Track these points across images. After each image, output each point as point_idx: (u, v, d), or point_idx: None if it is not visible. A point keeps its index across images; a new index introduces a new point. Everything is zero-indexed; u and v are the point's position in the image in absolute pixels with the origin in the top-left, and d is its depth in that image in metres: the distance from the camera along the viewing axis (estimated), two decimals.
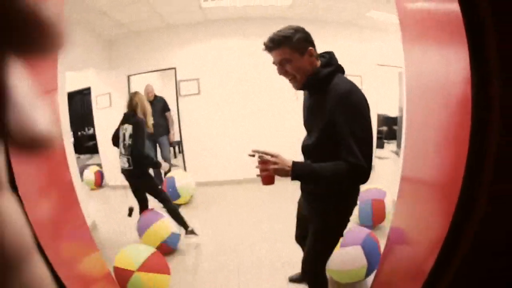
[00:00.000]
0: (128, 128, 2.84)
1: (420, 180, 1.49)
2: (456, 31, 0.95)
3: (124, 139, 2.85)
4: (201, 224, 3.35)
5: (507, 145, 0.89)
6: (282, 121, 4.79)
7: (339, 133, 1.20)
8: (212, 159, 5.04)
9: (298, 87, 1.35)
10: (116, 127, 3.20)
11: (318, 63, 1.32)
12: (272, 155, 1.21)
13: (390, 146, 6.95)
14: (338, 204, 1.41)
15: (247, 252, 2.76)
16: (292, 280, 2.28)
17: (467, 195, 0.94)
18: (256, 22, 4.75)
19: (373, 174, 4.24)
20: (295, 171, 1.19)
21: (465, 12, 0.92)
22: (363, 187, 1.69)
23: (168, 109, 4.82)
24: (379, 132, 6.16)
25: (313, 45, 1.30)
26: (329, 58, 1.34)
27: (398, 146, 6.35)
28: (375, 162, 5.52)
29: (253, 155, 1.27)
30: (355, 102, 1.20)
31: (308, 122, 1.44)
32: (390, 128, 7.15)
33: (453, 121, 1.08)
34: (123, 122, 2.91)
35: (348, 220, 1.50)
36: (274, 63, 1.32)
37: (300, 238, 1.82)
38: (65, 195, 1.59)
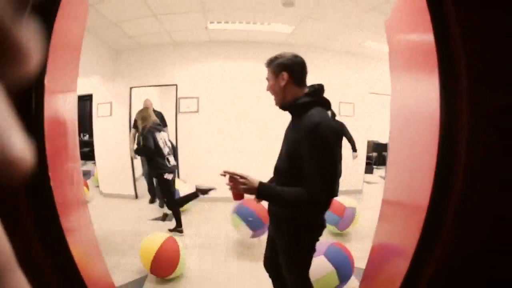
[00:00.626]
0: (164, 135, 3.72)
1: (398, 202, 1.62)
2: (431, 61, 1.06)
3: (166, 144, 3.66)
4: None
5: (473, 175, 1.01)
6: (279, 145, 4.91)
7: (304, 163, 1.28)
8: (207, 176, 5.14)
9: (275, 104, 1.49)
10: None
11: (305, 90, 1.41)
12: (241, 176, 1.34)
13: (380, 171, 7.16)
14: (300, 229, 1.46)
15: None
16: None
17: (434, 215, 1.06)
18: (258, 46, 4.97)
19: (361, 197, 4.42)
20: (260, 192, 1.32)
21: (438, 42, 1.05)
22: None
23: (165, 125, 4.86)
24: (368, 157, 6.35)
25: (292, 72, 1.39)
26: (314, 90, 1.42)
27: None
28: (364, 186, 5.72)
29: (224, 175, 1.39)
30: (321, 135, 1.25)
31: (283, 145, 1.54)
32: (380, 154, 7.38)
33: (423, 147, 1.20)
34: (157, 131, 3.61)
35: (312, 248, 1.53)
36: None
37: (269, 260, 1.79)
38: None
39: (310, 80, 1.45)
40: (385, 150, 7.06)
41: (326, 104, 1.43)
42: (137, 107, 4.89)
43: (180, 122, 5.14)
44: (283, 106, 1.45)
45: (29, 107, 1.12)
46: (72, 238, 1.33)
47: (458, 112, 1.02)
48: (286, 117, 1.56)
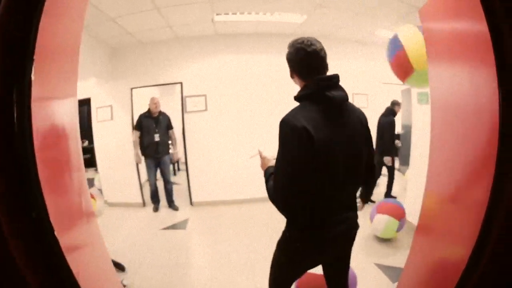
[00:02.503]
0: None
1: (445, 195, 1.50)
2: (483, 51, 0.97)
3: None
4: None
5: None
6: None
7: None
8: (217, 178, 4.88)
9: None
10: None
11: (308, 82, 1.26)
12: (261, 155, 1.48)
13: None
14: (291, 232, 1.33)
15: None
16: None
17: (493, 210, 0.95)
18: (267, 38, 4.70)
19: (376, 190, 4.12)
20: (265, 169, 1.40)
21: (493, 33, 0.93)
22: None
23: (171, 127, 4.65)
24: None
25: (293, 66, 1.30)
26: (306, 85, 1.26)
27: (402, 163, 6.34)
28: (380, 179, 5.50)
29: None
30: (282, 133, 1.16)
31: None
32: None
33: (479, 142, 1.11)
34: None
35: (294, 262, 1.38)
36: None
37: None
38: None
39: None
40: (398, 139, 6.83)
41: (320, 98, 1.20)
42: (139, 109, 4.62)
43: (187, 122, 4.84)
44: None
45: (10, 118, 0.88)
46: (75, 258, 1.12)
47: None
48: None
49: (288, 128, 1.14)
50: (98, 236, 1.64)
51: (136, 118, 4.55)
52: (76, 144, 1.51)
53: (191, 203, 4.92)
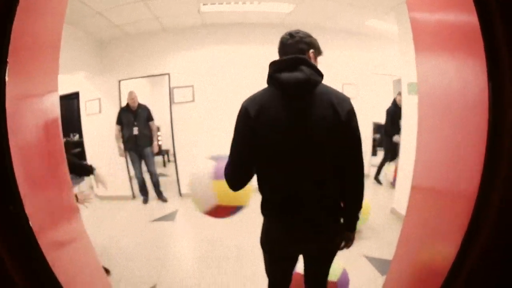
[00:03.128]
0: None
1: (432, 189, 1.48)
2: (473, 42, 0.95)
3: None
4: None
5: None
6: None
7: None
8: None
9: None
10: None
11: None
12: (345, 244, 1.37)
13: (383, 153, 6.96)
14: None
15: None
16: None
17: (482, 204, 0.95)
18: (255, 28, 4.64)
19: (367, 181, 4.13)
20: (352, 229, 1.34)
21: (483, 23, 0.91)
22: None
23: (152, 119, 4.61)
24: (373, 140, 6.15)
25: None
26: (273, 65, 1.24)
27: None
28: (369, 170, 5.53)
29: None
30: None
31: None
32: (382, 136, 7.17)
33: (467, 133, 1.08)
34: None
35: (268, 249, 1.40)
36: None
37: None
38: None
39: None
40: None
41: (271, 81, 1.21)
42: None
43: (175, 113, 4.80)
44: None
45: None
46: (56, 253, 1.13)
47: (506, 98, 0.90)
48: None
49: (239, 113, 1.22)
50: (82, 232, 1.61)
51: None
52: (57, 139, 1.49)
53: (180, 194, 4.92)
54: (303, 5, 3.98)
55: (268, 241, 1.35)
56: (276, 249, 1.36)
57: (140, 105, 4.51)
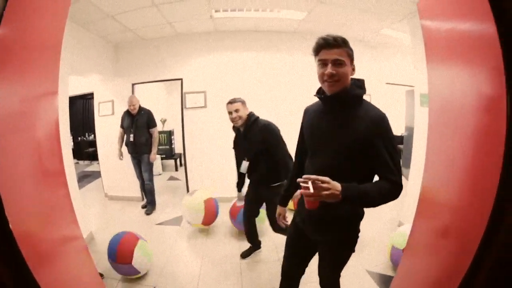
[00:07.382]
0: None
1: (441, 202, 1.41)
2: (489, 53, 0.92)
3: None
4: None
5: None
6: (291, 137, 4.64)
7: (371, 156, 1.30)
8: (215, 175, 4.88)
9: (332, 92, 1.34)
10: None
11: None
12: (322, 181, 1.15)
13: None
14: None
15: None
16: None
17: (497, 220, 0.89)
18: (267, 35, 4.66)
19: None
20: (345, 193, 1.16)
21: (502, 34, 0.86)
22: None
23: (153, 125, 4.31)
24: None
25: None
26: (359, 82, 1.43)
27: (405, 165, 6.21)
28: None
29: (306, 182, 1.16)
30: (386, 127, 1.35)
31: (326, 141, 1.39)
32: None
33: (483, 144, 1.03)
34: None
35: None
36: (322, 61, 1.32)
37: None
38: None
39: None
40: (400, 143, 6.69)
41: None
42: (141, 104, 4.62)
43: (186, 118, 4.85)
44: (339, 95, 1.35)
45: None
46: (42, 263, 1.10)
47: None
48: (299, 110, 1.66)
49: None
50: (78, 236, 1.59)
51: None
52: (54, 140, 1.47)
53: None
54: (315, 13, 3.97)
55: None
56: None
57: (141, 110, 4.29)
